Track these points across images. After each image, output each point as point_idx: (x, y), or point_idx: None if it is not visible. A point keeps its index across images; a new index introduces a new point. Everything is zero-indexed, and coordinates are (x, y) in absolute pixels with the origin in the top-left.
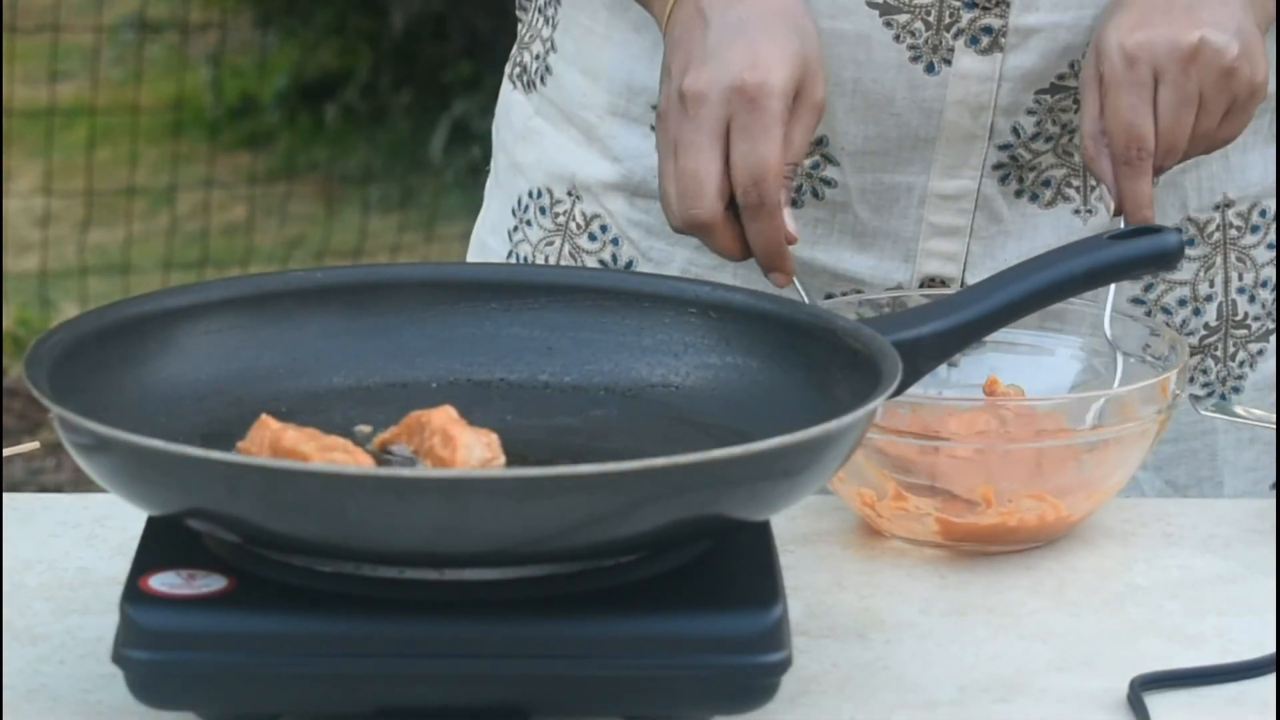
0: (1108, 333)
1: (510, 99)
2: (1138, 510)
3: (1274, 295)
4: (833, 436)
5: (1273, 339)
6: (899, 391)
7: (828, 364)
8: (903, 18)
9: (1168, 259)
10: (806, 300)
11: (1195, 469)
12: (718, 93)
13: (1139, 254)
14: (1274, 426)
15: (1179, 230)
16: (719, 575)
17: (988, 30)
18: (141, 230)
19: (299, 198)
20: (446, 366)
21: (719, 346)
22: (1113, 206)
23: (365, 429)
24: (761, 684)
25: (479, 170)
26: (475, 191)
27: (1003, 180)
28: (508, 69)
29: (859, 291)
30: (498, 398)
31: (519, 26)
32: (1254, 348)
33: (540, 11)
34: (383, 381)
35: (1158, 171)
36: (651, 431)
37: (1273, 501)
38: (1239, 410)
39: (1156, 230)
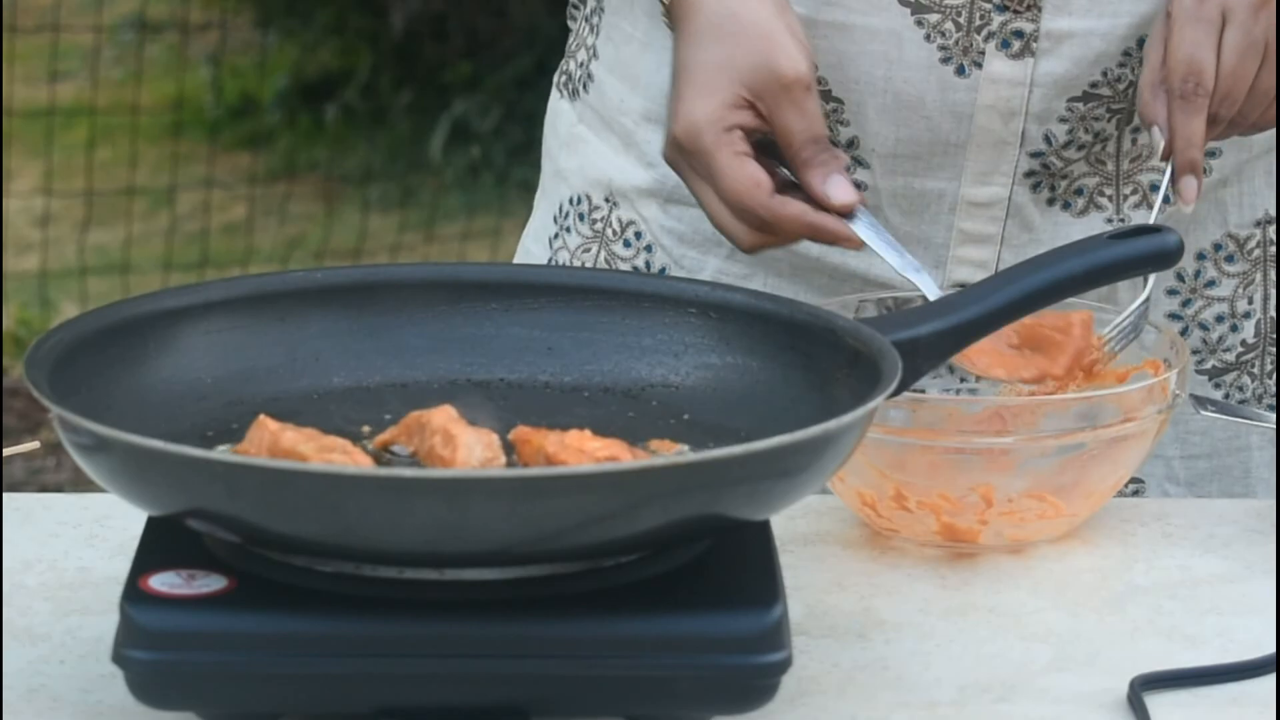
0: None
1: (557, 107)
2: (1138, 510)
3: None
4: (833, 436)
5: None
6: (899, 391)
7: (828, 364)
8: (933, 17)
9: (1168, 258)
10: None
11: (1229, 485)
12: (673, 151)
13: (1139, 253)
14: (1274, 427)
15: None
16: (719, 575)
17: (1019, 34)
18: (141, 230)
19: (299, 198)
20: (446, 366)
21: (719, 346)
22: (1161, 146)
23: (365, 429)
24: (761, 684)
25: (479, 170)
26: (475, 191)
27: (1034, 188)
28: (555, 78)
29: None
30: (498, 398)
31: (569, 35)
32: None
33: (586, 20)
34: (383, 381)
35: (1215, 120)
36: (651, 431)
37: (1273, 502)
38: (1240, 410)
39: (1156, 230)
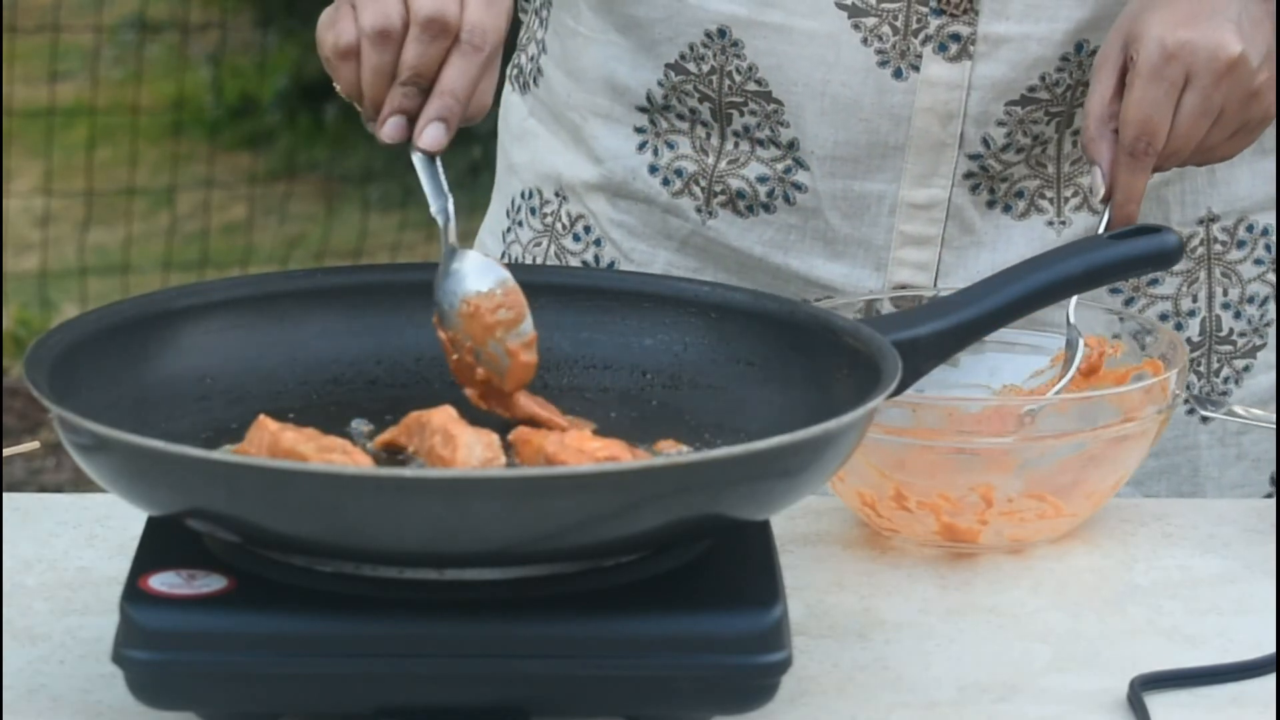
0: (1071, 317)
1: (509, 100)
2: (1138, 510)
3: (1260, 311)
4: (833, 436)
5: (1261, 355)
6: (899, 391)
7: (828, 364)
8: (870, 21)
9: (1167, 258)
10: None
11: (1177, 484)
12: None
13: (1138, 254)
14: (1274, 426)
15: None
16: (719, 575)
17: (956, 38)
18: (141, 230)
19: (299, 198)
20: (447, 366)
21: (719, 346)
22: (1101, 192)
23: (365, 429)
24: (761, 684)
25: (479, 170)
26: (475, 191)
27: (974, 190)
28: (508, 70)
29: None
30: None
31: (520, 29)
32: (1239, 364)
33: (536, 13)
34: (383, 381)
35: (1156, 170)
36: (651, 431)
37: (1273, 502)
38: (1238, 410)
39: (1156, 230)
